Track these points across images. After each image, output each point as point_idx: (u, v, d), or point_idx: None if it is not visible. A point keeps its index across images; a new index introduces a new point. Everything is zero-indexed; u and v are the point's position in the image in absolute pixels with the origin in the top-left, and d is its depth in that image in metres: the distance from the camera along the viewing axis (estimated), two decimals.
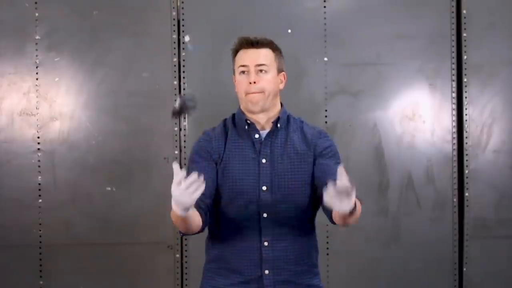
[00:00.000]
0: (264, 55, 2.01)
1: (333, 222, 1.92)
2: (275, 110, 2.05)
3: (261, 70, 1.99)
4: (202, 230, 1.94)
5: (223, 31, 3.11)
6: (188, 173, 1.72)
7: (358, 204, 1.88)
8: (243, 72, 2.00)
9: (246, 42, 2.01)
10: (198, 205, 1.89)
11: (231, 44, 2.10)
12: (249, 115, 2.03)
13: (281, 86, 2.07)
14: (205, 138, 2.06)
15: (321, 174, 1.96)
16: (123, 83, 3.13)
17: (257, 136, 2.01)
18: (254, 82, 1.97)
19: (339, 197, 1.63)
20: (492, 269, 3.28)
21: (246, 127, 2.02)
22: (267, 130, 2.03)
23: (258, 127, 2.02)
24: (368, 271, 3.23)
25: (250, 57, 1.99)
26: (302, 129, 2.08)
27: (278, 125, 2.03)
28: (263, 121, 2.03)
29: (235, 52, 2.04)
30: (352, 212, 1.71)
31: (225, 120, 2.11)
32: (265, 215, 1.94)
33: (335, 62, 3.22)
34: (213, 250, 2.04)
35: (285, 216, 1.94)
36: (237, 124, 2.05)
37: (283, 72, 2.07)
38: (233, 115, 2.09)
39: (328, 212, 1.90)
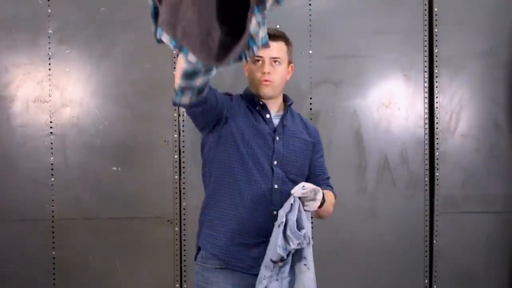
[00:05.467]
0: (279, 48, 2.02)
1: None
2: (280, 98, 2.12)
3: (275, 61, 2.01)
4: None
5: None
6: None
7: (331, 197, 2.04)
8: (257, 61, 2.01)
9: None
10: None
11: None
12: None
13: (288, 77, 2.11)
14: (229, 96, 2.06)
15: (313, 167, 2.12)
16: (127, 73, 3.18)
17: (268, 116, 2.06)
18: (269, 73, 2.00)
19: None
20: (459, 241, 3.38)
21: (257, 107, 2.06)
22: (275, 112, 2.09)
23: (269, 108, 2.08)
24: (348, 243, 3.31)
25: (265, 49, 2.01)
26: (301, 120, 2.16)
27: (289, 111, 2.10)
28: (271, 105, 2.09)
29: None
30: (321, 206, 1.90)
31: (240, 95, 2.12)
32: (276, 186, 2.00)
33: (319, 54, 3.29)
34: (227, 221, 2.01)
35: (289, 190, 1.96)
36: (249, 103, 2.08)
37: (291, 64, 2.10)
38: (241, 95, 2.12)
39: None
